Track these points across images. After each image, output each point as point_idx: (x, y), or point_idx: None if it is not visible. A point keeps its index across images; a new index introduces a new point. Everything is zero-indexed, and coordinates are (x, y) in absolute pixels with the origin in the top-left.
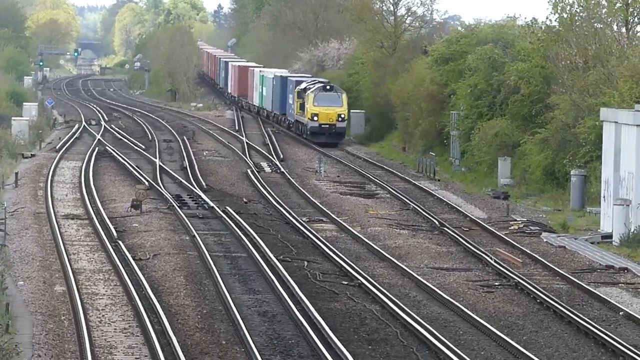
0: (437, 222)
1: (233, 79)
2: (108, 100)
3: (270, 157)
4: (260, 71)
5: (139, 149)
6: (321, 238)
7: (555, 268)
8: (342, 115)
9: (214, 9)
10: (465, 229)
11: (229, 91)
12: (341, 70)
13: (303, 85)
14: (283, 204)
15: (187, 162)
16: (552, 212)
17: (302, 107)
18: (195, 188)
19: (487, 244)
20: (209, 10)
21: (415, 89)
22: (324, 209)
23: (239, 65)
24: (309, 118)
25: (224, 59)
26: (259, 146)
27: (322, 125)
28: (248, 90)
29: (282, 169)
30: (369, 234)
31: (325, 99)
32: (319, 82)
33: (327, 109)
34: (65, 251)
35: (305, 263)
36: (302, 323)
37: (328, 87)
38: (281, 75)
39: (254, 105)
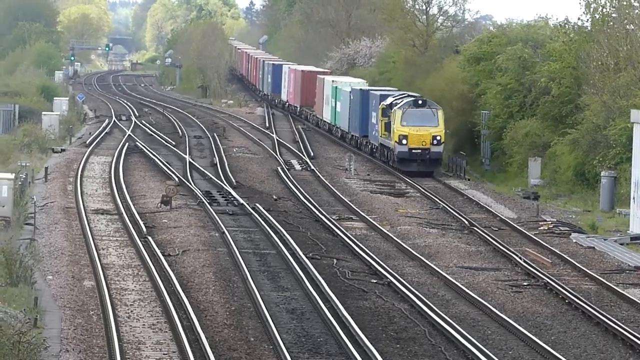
0: (466, 222)
1: (293, 85)
2: (139, 96)
3: (301, 154)
4: (332, 81)
5: (169, 144)
6: (351, 236)
7: (584, 269)
8: (439, 137)
9: (245, 5)
10: (494, 229)
11: (284, 98)
12: (373, 69)
13: (389, 101)
14: (313, 202)
15: (217, 158)
16: (582, 213)
17: (387, 127)
18: (225, 185)
19: (516, 244)
20: (240, 7)
21: (446, 88)
22: (354, 207)
23: (302, 71)
24: (395, 141)
25: (269, 61)
26: (289, 143)
27: (413, 150)
28: (315, 102)
29: (312, 167)
30: (399, 233)
31: (416, 117)
32: (409, 96)
33: (419, 129)
34: (95, 246)
35: (335, 261)
36: (330, 321)
37: (420, 101)
38: (361, 89)
39: (324, 122)
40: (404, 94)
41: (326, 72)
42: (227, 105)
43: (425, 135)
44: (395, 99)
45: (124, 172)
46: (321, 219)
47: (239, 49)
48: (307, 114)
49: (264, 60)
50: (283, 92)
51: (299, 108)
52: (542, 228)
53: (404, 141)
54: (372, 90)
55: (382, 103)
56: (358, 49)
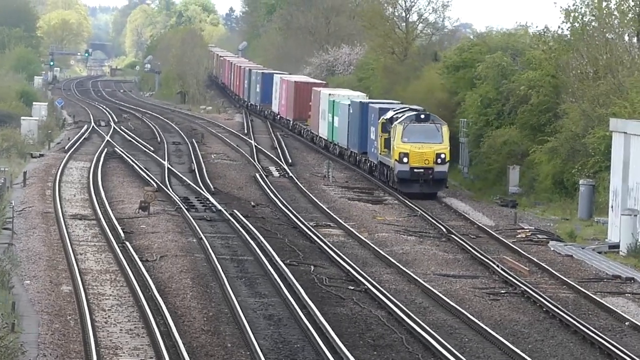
0: (444, 229)
1: (285, 97)
2: (118, 102)
3: (279, 161)
4: (330, 94)
5: (147, 150)
6: (328, 243)
7: (562, 277)
8: (443, 155)
9: (225, 12)
10: (472, 237)
11: (275, 110)
12: (352, 76)
13: (389, 115)
14: (291, 208)
15: (195, 164)
16: (560, 221)
17: (387, 143)
18: (203, 191)
19: (494, 252)
20: (220, 13)
21: (426, 96)
22: (332, 214)
23: (296, 82)
24: (395, 159)
25: (257, 70)
26: (267, 150)
27: (415, 170)
28: (310, 116)
29: (291, 174)
30: (377, 240)
31: (418, 133)
32: (410, 109)
33: (422, 146)
34: (73, 251)
35: (312, 267)
36: (307, 327)
37: (423, 116)
38: (360, 101)
39: (321, 138)
40: (405, 107)
41: (321, 83)
42: (206, 112)
43: (428, 153)
44: (396, 113)
45: (102, 178)
46: (299, 225)
47: (220, 56)
48: (300, 129)
49: (250, 69)
50: (274, 104)
51: (291, 122)
52: (520, 236)
53: (405, 159)
54: (371, 103)
55: (381, 117)
56: (337, 56)
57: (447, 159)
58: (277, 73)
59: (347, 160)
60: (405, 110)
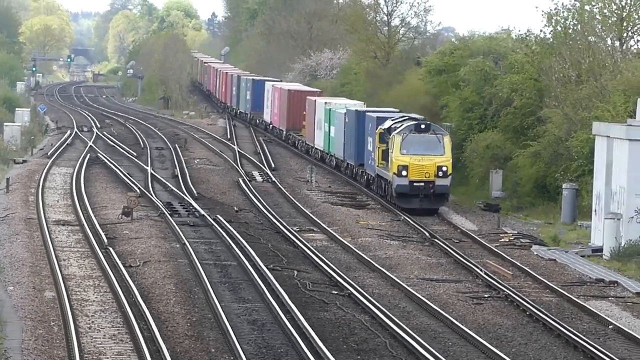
0: (427, 234)
1: (278, 106)
2: (100, 107)
3: (262, 166)
4: (325, 102)
5: (130, 156)
6: (312, 248)
7: (545, 281)
8: (445, 168)
9: (207, 17)
10: (455, 241)
11: (267, 119)
12: (334, 80)
13: (387, 124)
14: (274, 213)
15: (178, 170)
16: (543, 225)
17: (385, 155)
18: (187, 196)
19: (477, 256)
20: (202, 19)
21: (408, 100)
22: (315, 218)
23: (289, 90)
24: (394, 172)
25: (246, 76)
26: (250, 155)
27: (414, 184)
28: (305, 126)
29: (274, 178)
30: (360, 245)
31: (418, 144)
32: (410, 118)
33: (422, 158)
34: (56, 257)
35: (296, 272)
36: (291, 332)
37: (423, 126)
38: (356, 110)
39: (316, 149)
40: (405, 116)
41: (316, 91)
42: (189, 117)
43: (428, 166)
44: (395, 123)
45: (85, 183)
46: (282, 230)
47: (205, 62)
48: (294, 140)
49: (239, 76)
50: (266, 113)
51: (285, 132)
52: (503, 240)
53: (404, 172)
54: (368, 112)
55: (379, 127)
56: (320, 60)
57: (449, 172)
58: (268, 80)
59: (343, 172)
60: (404, 120)
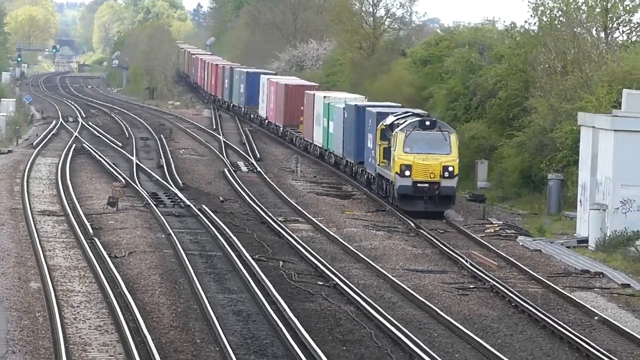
0: (413, 224)
1: (274, 101)
2: (86, 98)
3: (247, 156)
4: (324, 96)
5: (116, 146)
6: (297, 238)
7: (531, 272)
8: (451, 168)
9: (193, 7)
10: (441, 231)
11: (263, 114)
12: (320, 71)
13: (389, 120)
14: (259, 204)
15: (163, 160)
16: (529, 215)
17: (386, 153)
18: (172, 186)
19: (462, 247)
20: (188, 9)
21: (394, 90)
22: (300, 209)
23: (286, 84)
24: (396, 172)
25: (240, 69)
26: (236, 145)
27: (418, 185)
28: (303, 122)
29: (259, 169)
30: (345, 235)
31: (423, 142)
32: (414, 114)
33: (426, 157)
34: (41, 247)
35: (281, 263)
36: (276, 323)
37: (428, 122)
38: (356, 104)
39: (315, 146)
40: (408, 112)
41: (314, 85)
42: (174, 107)
43: (434, 166)
44: (397, 119)
45: (70, 174)
46: (267, 220)
47: (193, 54)
48: (292, 136)
49: (232, 68)
50: (261, 107)
51: (282, 128)
52: (488, 231)
53: (407, 172)
54: (368, 106)
55: (380, 123)
56: (305, 51)
57: (456, 172)
58: (263, 73)
59: (342, 171)
60: (407, 115)
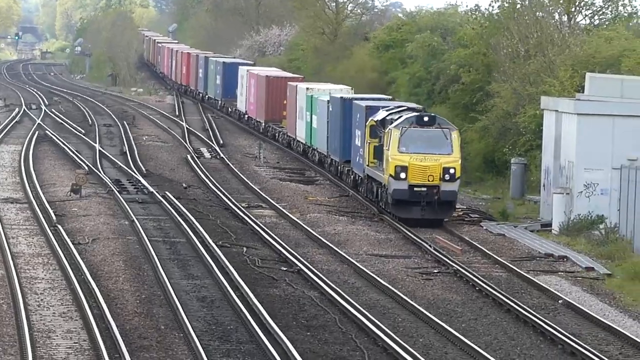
0: (376, 210)
1: (255, 94)
2: (49, 85)
3: (210, 142)
4: (307, 88)
5: (79, 133)
6: (260, 224)
7: (495, 256)
8: (452, 171)
9: None
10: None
11: (242, 108)
12: (282, 57)
13: (381, 115)
14: (222, 190)
15: (127, 147)
16: (492, 200)
17: (378, 153)
18: (135, 173)
19: (426, 232)
20: None
21: (356, 75)
22: (264, 195)
23: (267, 76)
24: (390, 174)
25: (215, 58)
26: (199, 131)
27: (415, 189)
28: (286, 116)
29: (222, 155)
30: (309, 220)
31: (420, 141)
32: (409, 109)
33: (424, 158)
34: (4, 235)
35: (245, 249)
36: (240, 309)
37: (426, 118)
38: (341, 97)
39: (298, 141)
40: (401, 106)
41: (297, 77)
42: (137, 94)
43: (432, 167)
44: (390, 114)
45: (33, 161)
46: (231, 207)
47: (159, 42)
48: (275, 132)
49: (207, 57)
50: (240, 101)
51: (263, 124)
52: (452, 215)
53: (403, 175)
54: (355, 99)
55: (370, 118)
56: (268, 37)
57: (458, 174)
58: (242, 64)
59: (327, 169)
60: (402, 110)
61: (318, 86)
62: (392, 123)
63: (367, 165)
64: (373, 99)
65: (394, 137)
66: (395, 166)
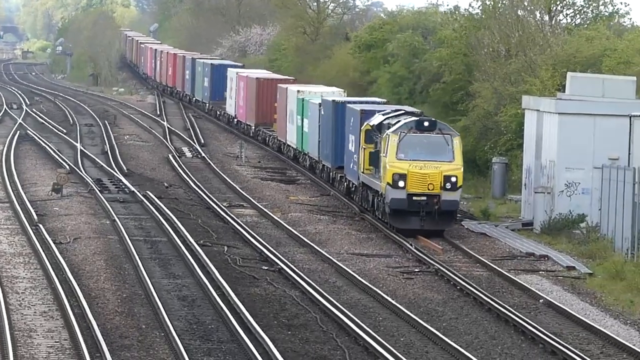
0: (357, 209)
1: (244, 97)
2: (30, 85)
3: (192, 142)
4: (298, 91)
5: (60, 133)
6: (241, 223)
7: (476, 255)
8: (454, 179)
9: None
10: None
11: (231, 112)
12: (263, 56)
13: (377, 119)
14: (204, 189)
15: (108, 146)
16: (473, 199)
17: (374, 159)
18: (116, 172)
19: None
20: None
21: (337, 75)
22: (245, 194)
23: (257, 79)
24: (388, 183)
25: (203, 60)
26: (180, 131)
27: (414, 198)
28: (277, 120)
29: (203, 154)
30: (290, 220)
31: (419, 147)
32: (407, 113)
33: (424, 165)
34: None
35: (226, 248)
36: (221, 308)
37: (426, 122)
38: (334, 100)
39: (288, 146)
40: (399, 110)
41: (288, 79)
42: (118, 93)
43: (433, 175)
44: (387, 118)
45: (15, 160)
46: (212, 206)
47: (141, 43)
48: (265, 136)
49: (194, 59)
50: (229, 104)
51: (253, 128)
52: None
53: (401, 183)
54: (349, 102)
55: (365, 122)
56: (249, 36)
57: (460, 183)
58: (231, 66)
59: (319, 176)
60: (399, 114)
61: (309, 88)
62: (389, 128)
63: (362, 173)
64: (367, 103)
65: (391, 143)
66: (393, 174)
